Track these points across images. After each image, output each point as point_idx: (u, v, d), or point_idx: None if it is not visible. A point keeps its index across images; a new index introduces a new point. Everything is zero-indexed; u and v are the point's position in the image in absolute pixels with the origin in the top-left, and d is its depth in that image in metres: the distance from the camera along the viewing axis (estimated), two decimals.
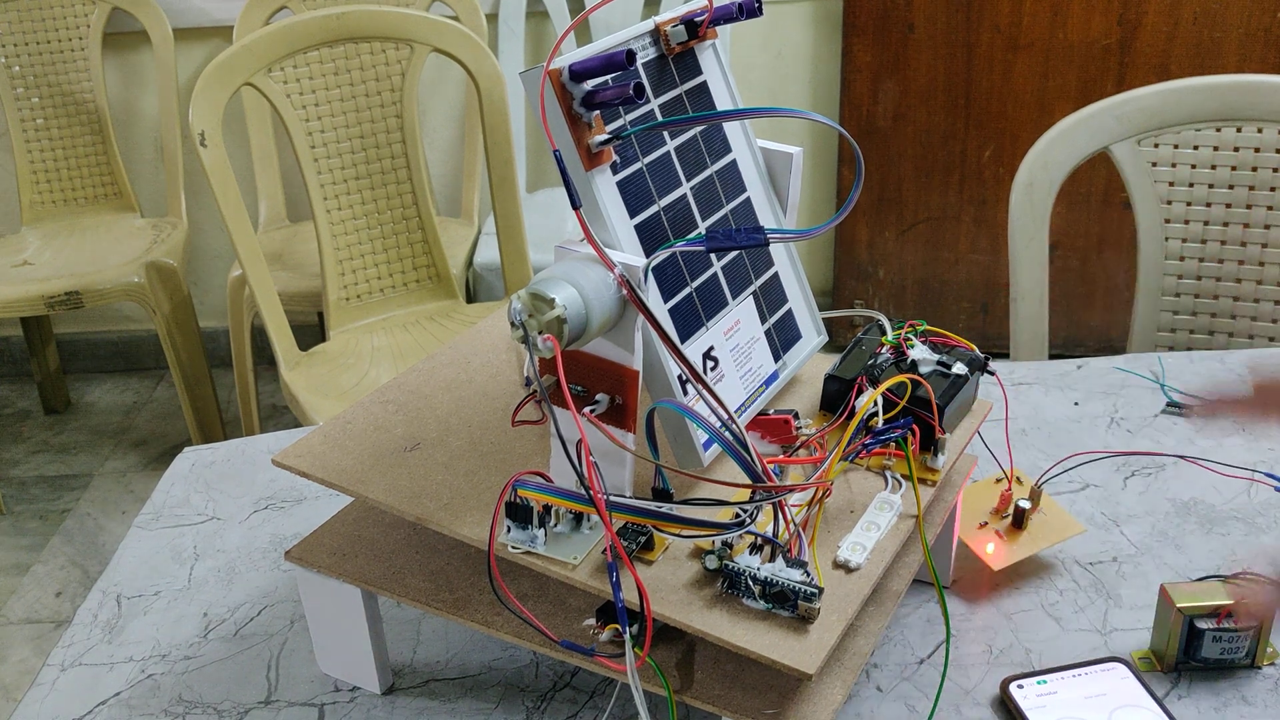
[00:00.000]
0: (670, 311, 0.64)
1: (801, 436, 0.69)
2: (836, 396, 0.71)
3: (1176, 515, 0.86)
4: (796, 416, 0.69)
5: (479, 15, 2.25)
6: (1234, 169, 1.35)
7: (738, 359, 0.69)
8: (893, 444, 0.67)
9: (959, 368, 0.71)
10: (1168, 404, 1.00)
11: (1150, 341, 1.42)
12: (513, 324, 0.55)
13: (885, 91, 2.42)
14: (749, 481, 0.58)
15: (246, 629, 0.79)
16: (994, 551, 0.77)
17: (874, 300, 2.62)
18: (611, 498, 0.57)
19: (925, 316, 2.51)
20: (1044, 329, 1.39)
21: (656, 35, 0.66)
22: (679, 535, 0.61)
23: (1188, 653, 0.70)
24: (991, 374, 0.87)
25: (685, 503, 0.62)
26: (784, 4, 2.45)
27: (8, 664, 1.88)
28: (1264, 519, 0.85)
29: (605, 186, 0.61)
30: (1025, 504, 0.78)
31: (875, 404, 0.67)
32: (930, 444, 0.68)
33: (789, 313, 0.74)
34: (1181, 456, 0.92)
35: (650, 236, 0.63)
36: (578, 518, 0.62)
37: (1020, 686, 0.69)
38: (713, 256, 0.68)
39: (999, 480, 0.81)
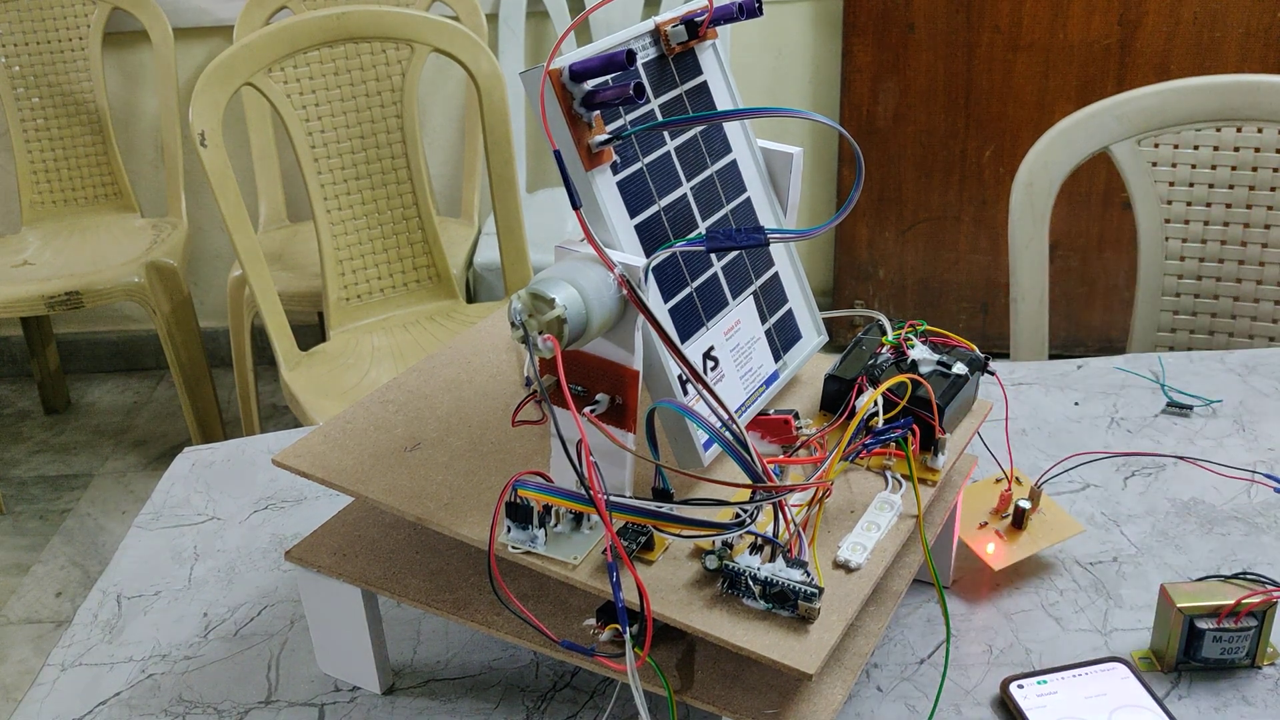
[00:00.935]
0: (670, 311, 0.64)
1: (801, 436, 0.69)
2: (836, 396, 0.71)
3: (1176, 515, 0.86)
4: (796, 416, 0.69)
5: (479, 15, 2.25)
6: (1234, 169, 1.35)
7: (738, 359, 0.69)
8: (893, 444, 0.67)
9: (959, 368, 0.71)
10: (1168, 404, 1.00)
11: (1150, 341, 1.42)
12: (513, 324, 0.55)
13: (885, 91, 2.42)
14: (749, 481, 0.58)
15: (246, 629, 0.79)
16: (994, 551, 0.77)
17: (874, 300, 2.62)
18: (611, 498, 0.57)
19: (925, 316, 2.51)
20: (1044, 329, 1.39)
21: (656, 35, 0.66)
22: (679, 535, 0.61)
23: (1188, 653, 0.70)
24: (991, 374, 0.87)
25: (685, 503, 0.62)
26: (784, 4, 2.45)
27: (8, 664, 1.88)
28: (1264, 519, 0.85)
29: (605, 186, 0.61)
30: (1025, 504, 0.78)
31: (875, 404, 0.67)
32: (930, 444, 0.68)
33: (789, 313, 0.74)
34: (1181, 457, 0.92)
35: (650, 236, 0.63)
36: (578, 518, 0.62)
37: (1020, 686, 0.69)
38: (713, 256, 0.68)
39: (999, 480, 0.81)
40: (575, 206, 0.58)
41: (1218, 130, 1.34)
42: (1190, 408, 0.99)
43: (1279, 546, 0.82)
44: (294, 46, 1.63)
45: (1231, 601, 0.69)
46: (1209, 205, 1.37)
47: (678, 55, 0.68)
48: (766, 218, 0.72)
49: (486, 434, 0.70)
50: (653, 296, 0.63)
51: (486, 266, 2.16)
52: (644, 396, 0.61)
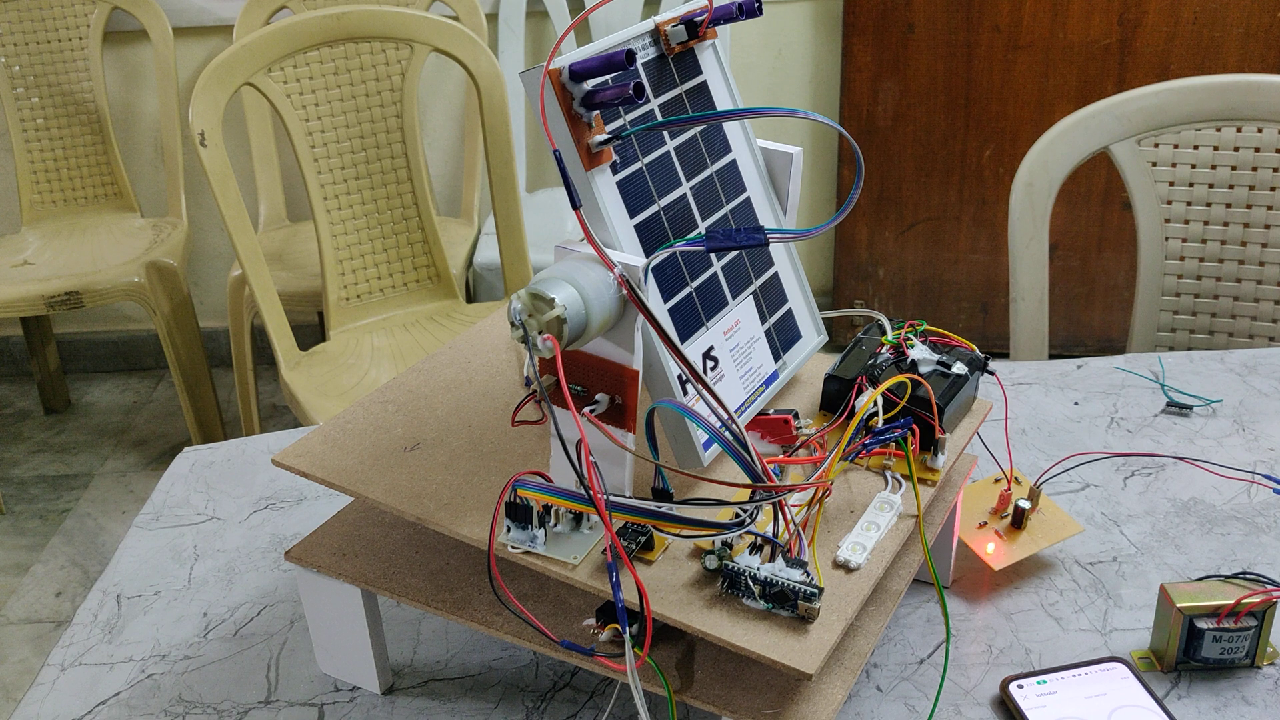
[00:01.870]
0: (670, 311, 0.64)
1: (801, 436, 0.69)
2: (836, 396, 0.71)
3: (1176, 515, 0.86)
4: (796, 416, 0.69)
5: (479, 15, 2.25)
6: (1234, 169, 1.35)
7: (738, 359, 0.69)
8: (893, 444, 0.67)
9: (959, 368, 0.71)
10: (1168, 404, 1.00)
11: (1150, 341, 1.42)
12: (513, 324, 0.55)
13: (885, 91, 2.42)
14: (749, 481, 0.58)
15: (246, 629, 0.79)
16: (994, 551, 0.77)
17: (874, 300, 2.62)
18: (611, 498, 0.57)
19: (925, 316, 2.52)
20: (1044, 329, 1.39)
21: (656, 35, 0.66)
22: (679, 535, 0.61)
23: (1188, 653, 0.70)
24: (991, 374, 0.88)
25: (685, 503, 0.62)
26: (784, 4, 2.45)
27: (8, 664, 1.88)
28: (1264, 519, 0.85)
29: (605, 186, 0.61)
30: (1024, 504, 0.78)
31: (875, 404, 0.67)
32: (930, 444, 0.68)
33: (789, 312, 0.74)
34: (1181, 458, 0.92)
35: (650, 236, 0.63)
36: (578, 518, 0.62)
37: (1020, 686, 0.69)
38: (713, 256, 0.68)
39: (998, 480, 0.81)
40: (575, 206, 0.58)
41: (1218, 130, 1.34)
42: (1190, 408, 0.99)
43: (1279, 546, 0.82)
44: (294, 46, 1.63)
45: (1231, 601, 0.69)
46: (1209, 205, 1.37)
47: (677, 55, 0.68)
48: (766, 218, 0.72)
49: (486, 434, 0.70)
50: (652, 296, 0.63)
51: (486, 266, 2.16)
52: (644, 396, 0.61)
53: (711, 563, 0.59)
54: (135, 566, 0.87)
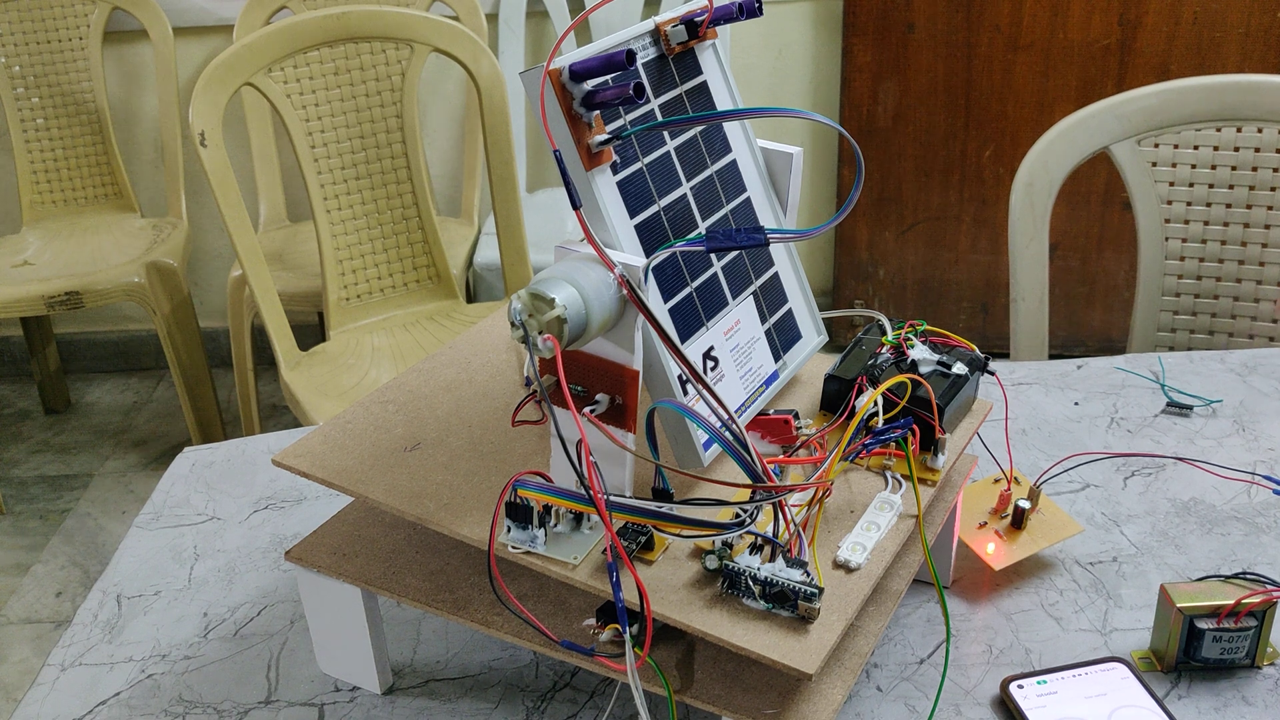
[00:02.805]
0: (670, 311, 0.64)
1: (801, 436, 0.69)
2: (836, 396, 0.71)
3: (1176, 515, 0.86)
4: (796, 416, 0.69)
5: (479, 15, 2.25)
6: (1234, 169, 1.35)
7: (738, 359, 0.69)
8: (893, 444, 0.67)
9: (959, 368, 0.71)
10: (1168, 404, 1.00)
11: (1150, 341, 1.42)
12: (513, 324, 0.55)
13: (885, 91, 2.42)
14: (749, 481, 0.58)
15: (246, 629, 0.79)
16: (994, 551, 0.77)
17: (874, 300, 2.62)
18: (611, 498, 0.57)
19: (925, 316, 2.52)
20: (1044, 329, 1.39)
21: (656, 35, 0.66)
22: (679, 535, 0.61)
23: (1188, 653, 0.70)
24: (991, 374, 0.88)
25: (685, 503, 0.62)
26: (784, 4, 2.45)
27: (8, 664, 1.88)
28: (1264, 519, 0.85)
29: (605, 186, 0.61)
30: (1024, 504, 0.78)
31: (875, 404, 0.67)
32: (930, 444, 0.68)
33: (789, 313, 0.74)
34: (1181, 458, 0.92)
35: (650, 236, 0.63)
36: (578, 518, 0.62)
37: (1020, 686, 0.69)
38: (713, 256, 0.68)
39: (997, 480, 0.81)
40: (575, 206, 0.58)
41: (1218, 130, 1.34)
42: (1190, 408, 0.99)
43: (1279, 546, 0.82)
44: (294, 46, 1.63)
45: (1231, 601, 0.69)
46: (1209, 205, 1.37)
47: (678, 55, 0.68)
48: (766, 218, 0.72)
49: (486, 434, 0.70)
50: (653, 296, 0.63)
51: (486, 266, 2.16)
52: (644, 396, 0.61)
53: (712, 563, 0.59)
54: (135, 566, 0.87)
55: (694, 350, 0.65)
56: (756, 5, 0.68)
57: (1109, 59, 2.31)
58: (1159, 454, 0.93)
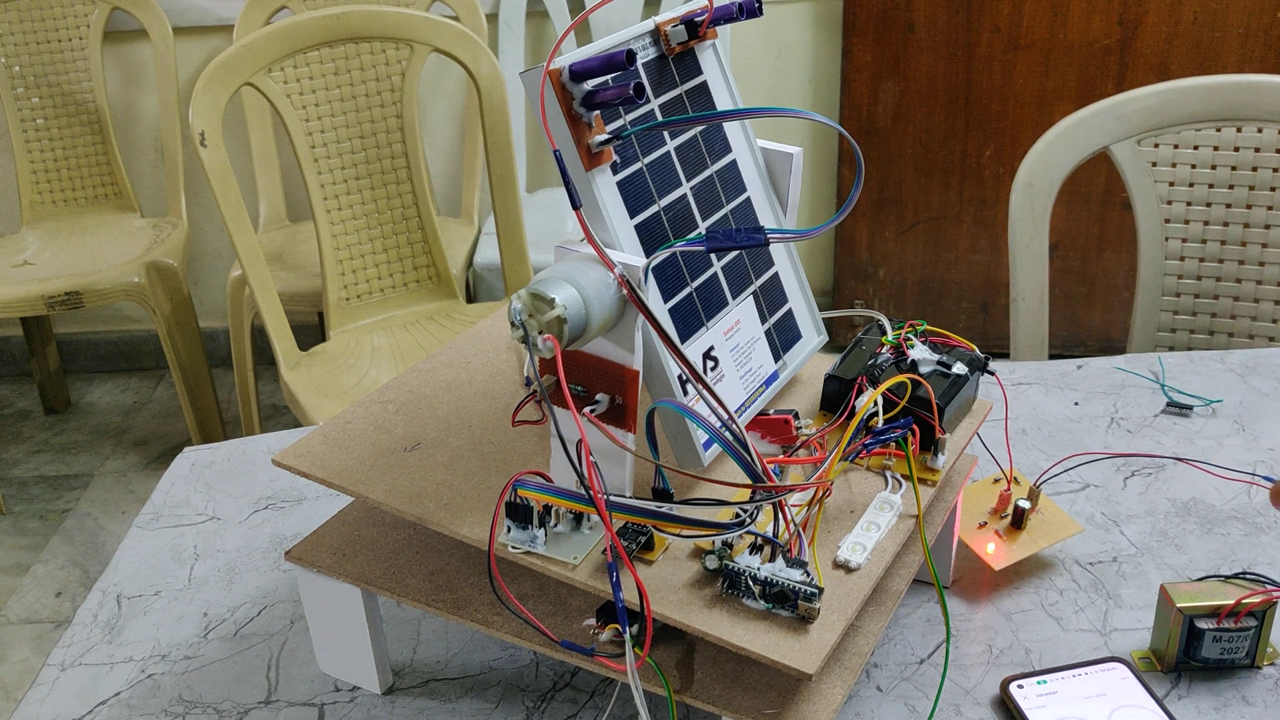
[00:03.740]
0: (670, 311, 0.64)
1: (801, 436, 0.69)
2: (836, 396, 0.71)
3: (1176, 515, 0.86)
4: (796, 416, 0.69)
5: (479, 15, 2.25)
6: (1234, 169, 1.35)
7: (738, 359, 0.69)
8: (893, 444, 0.67)
9: (959, 368, 0.71)
10: (1168, 404, 1.00)
11: (1150, 341, 1.42)
12: (513, 324, 0.55)
13: (885, 91, 2.42)
14: (749, 481, 0.58)
15: (246, 629, 0.79)
16: (994, 551, 0.77)
17: (874, 300, 2.62)
18: (611, 498, 0.57)
19: (925, 316, 2.52)
20: (1044, 329, 1.39)
21: (656, 35, 0.66)
22: (679, 535, 0.61)
23: (1188, 653, 0.70)
24: (991, 374, 0.88)
25: (685, 503, 0.62)
26: (784, 4, 2.45)
27: (8, 664, 1.88)
28: (1264, 519, 0.85)
29: (605, 186, 0.61)
30: (1024, 504, 0.78)
31: (875, 404, 0.67)
32: (930, 444, 0.68)
33: (789, 313, 0.74)
34: (1181, 458, 0.92)
35: (650, 236, 0.63)
36: (578, 518, 0.62)
37: (1020, 686, 0.69)
38: (713, 256, 0.68)
39: (997, 480, 0.81)
40: (575, 206, 0.58)
41: (1218, 130, 1.34)
42: (1190, 408, 0.99)
43: (1279, 546, 0.82)
44: (294, 46, 1.63)
45: (1231, 601, 0.69)
46: (1209, 205, 1.37)
47: (678, 55, 0.68)
48: (766, 218, 0.72)
49: (486, 434, 0.70)
50: (653, 296, 0.63)
51: (486, 266, 2.16)
52: (644, 396, 0.61)
53: (712, 563, 0.59)
54: (135, 566, 0.87)
55: (694, 350, 0.65)
56: (756, 5, 0.68)
57: (1109, 59, 2.31)
58: (1159, 454, 0.93)
